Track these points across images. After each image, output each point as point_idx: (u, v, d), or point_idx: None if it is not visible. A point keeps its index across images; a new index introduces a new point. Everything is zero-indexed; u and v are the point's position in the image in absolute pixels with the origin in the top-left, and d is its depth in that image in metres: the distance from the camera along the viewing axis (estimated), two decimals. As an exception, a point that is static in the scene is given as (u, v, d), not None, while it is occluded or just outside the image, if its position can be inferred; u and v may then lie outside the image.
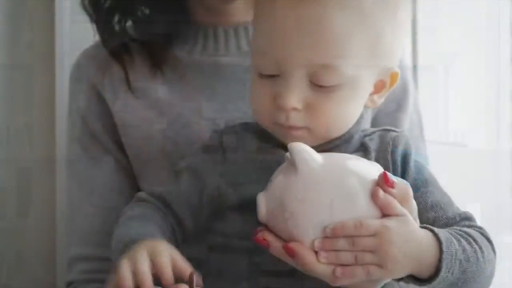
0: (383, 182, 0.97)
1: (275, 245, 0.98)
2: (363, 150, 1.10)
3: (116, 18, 1.29)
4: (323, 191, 0.97)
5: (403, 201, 0.99)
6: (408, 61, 1.55)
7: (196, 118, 1.27)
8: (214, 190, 1.10)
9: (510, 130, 1.74)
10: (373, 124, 1.30)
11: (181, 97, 1.28)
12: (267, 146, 1.10)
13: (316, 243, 0.97)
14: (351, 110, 1.08)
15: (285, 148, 1.03)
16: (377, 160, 1.08)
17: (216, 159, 1.11)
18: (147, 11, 1.31)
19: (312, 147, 1.02)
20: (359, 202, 0.97)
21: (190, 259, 1.07)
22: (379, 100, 1.12)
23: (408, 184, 1.02)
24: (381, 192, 0.97)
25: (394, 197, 0.98)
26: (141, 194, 1.14)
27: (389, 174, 0.98)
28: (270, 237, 0.99)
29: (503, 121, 1.73)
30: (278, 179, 1.00)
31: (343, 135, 1.09)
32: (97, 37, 1.31)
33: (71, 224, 1.34)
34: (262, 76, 1.06)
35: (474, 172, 1.71)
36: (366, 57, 1.04)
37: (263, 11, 1.06)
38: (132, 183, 1.32)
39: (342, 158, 1.01)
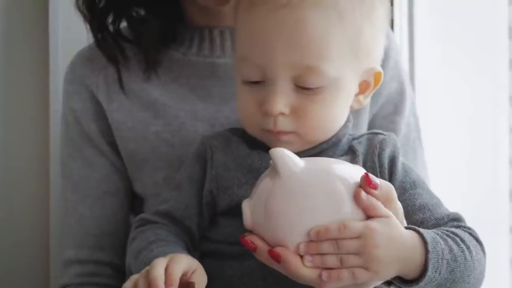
0: (365, 184, 0.97)
1: (262, 249, 0.98)
2: (351, 153, 1.11)
3: (110, 19, 1.29)
4: (306, 194, 0.96)
5: (386, 202, 0.99)
6: (405, 64, 1.54)
7: (192, 120, 1.26)
8: (207, 195, 1.11)
9: (509, 134, 1.74)
10: (370, 127, 1.30)
11: (176, 99, 1.27)
12: (255, 151, 1.10)
13: (301, 247, 0.96)
14: (338, 112, 1.09)
15: None
16: (364, 163, 1.09)
17: (209, 164, 1.12)
18: (141, 12, 1.30)
19: (300, 151, 1.05)
20: (343, 205, 0.97)
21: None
22: (365, 100, 1.13)
23: (392, 185, 1.01)
24: (363, 194, 0.96)
25: (377, 198, 0.98)
26: (145, 216, 1.15)
27: (371, 176, 0.98)
28: (257, 241, 0.99)
29: (501, 123, 1.73)
30: (262, 185, 1.00)
31: (331, 138, 1.10)
32: (91, 38, 1.30)
33: (65, 226, 1.33)
34: (246, 83, 1.07)
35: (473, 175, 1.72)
36: (347, 57, 1.05)
37: (242, 18, 1.08)
38: (126, 185, 1.32)
39: (325, 162, 1.01)
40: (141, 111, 1.28)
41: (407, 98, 1.33)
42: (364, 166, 1.07)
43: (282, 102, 1.04)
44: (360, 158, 1.10)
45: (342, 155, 1.10)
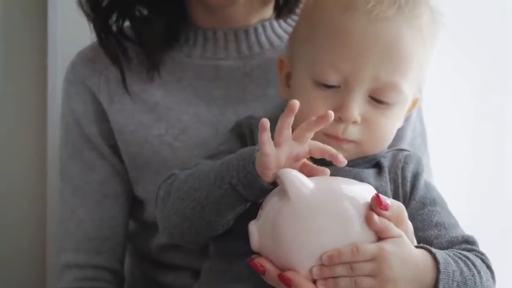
0: (376, 205, 0.97)
1: (271, 273, 0.98)
2: (378, 167, 1.12)
3: (113, 18, 1.27)
4: (315, 216, 0.96)
5: (398, 222, 0.99)
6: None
7: (195, 124, 1.25)
8: None
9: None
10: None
11: (179, 102, 1.26)
12: None
13: (314, 271, 0.96)
14: (396, 128, 1.13)
15: None
16: (388, 175, 1.11)
17: (250, 141, 1.13)
18: (145, 12, 1.29)
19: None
20: (354, 227, 0.96)
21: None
22: (402, 121, 1.16)
23: (403, 205, 1.02)
24: (375, 217, 0.96)
25: (389, 219, 0.98)
26: (174, 171, 1.14)
27: (382, 196, 0.98)
28: (266, 264, 0.98)
29: (509, 129, 1.73)
30: (270, 206, 0.99)
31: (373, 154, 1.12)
32: (91, 38, 1.28)
33: (63, 230, 1.32)
34: (319, 85, 1.08)
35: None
36: (416, 79, 1.10)
37: (336, 23, 1.07)
38: (127, 188, 1.31)
39: (334, 182, 1.00)
40: (144, 113, 1.26)
41: (413, 103, 1.32)
42: (388, 178, 1.10)
43: (357, 111, 1.06)
44: (386, 170, 1.11)
45: (370, 168, 1.12)
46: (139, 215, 1.31)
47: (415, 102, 1.15)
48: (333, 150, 0.98)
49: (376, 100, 1.07)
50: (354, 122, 1.06)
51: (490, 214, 1.69)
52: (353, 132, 1.06)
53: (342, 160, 0.97)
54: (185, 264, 1.26)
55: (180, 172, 1.12)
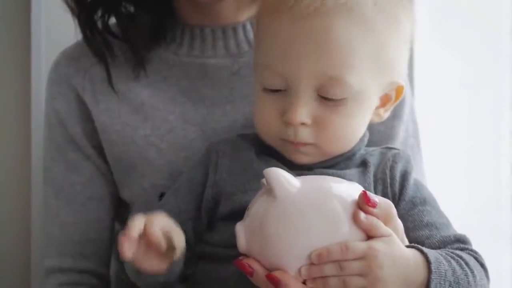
0: (363, 202, 0.96)
1: (259, 273, 0.97)
2: (362, 165, 1.11)
3: (99, 13, 1.26)
4: (302, 216, 0.95)
5: (386, 220, 0.98)
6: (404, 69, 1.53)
7: (181, 124, 1.24)
8: (209, 200, 1.10)
9: (510, 140, 1.74)
10: (368, 132, 1.26)
11: (166, 101, 1.25)
12: (263, 157, 1.10)
13: (303, 271, 0.95)
14: (358, 125, 1.09)
15: (281, 160, 1.07)
16: (375, 174, 1.10)
17: (212, 169, 1.11)
18: (131, 8, 1.27)
19: (314, 163, 1.07)
20: (342, 225, 0.95)
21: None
22: (385, 114, 1.13)
23: (391, 203, 1.00)
24: (362, 215, 0.95)
25: (377, 217, 0.97)
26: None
27: (370, 193, 0.97)
28: (255, 265, 0.97)
29: (503, 129, 1.73)
30: (256, 207, 0.98)
31: (346, 152, 1.10)
32: (76, 36, 1.27)
33: (47, 233, 1.31)
34: (267, 91, 1.07)
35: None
36: (371, 69, 1.06)
37: (266, 25, 1.07)
38: (112, 190, 1.29)
39: (321, 181, 1.00)
40: (129, 113, 1.25)
41: (406, 102, 1.30)
42: (374, 177, 1.09)
43: (304, 112, 1.04)
44: (371, 169, 1.10)
45: (354, 167, 1.10)
46: (124, 218, 1.27)
47: (399, 91, 1.11)
48: None
49: (325, 98, 1.04)
50: (303, 124, 1.04)
51: (483, 214, 1.69)
52: (305, 134, 1.05)
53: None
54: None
55: None
